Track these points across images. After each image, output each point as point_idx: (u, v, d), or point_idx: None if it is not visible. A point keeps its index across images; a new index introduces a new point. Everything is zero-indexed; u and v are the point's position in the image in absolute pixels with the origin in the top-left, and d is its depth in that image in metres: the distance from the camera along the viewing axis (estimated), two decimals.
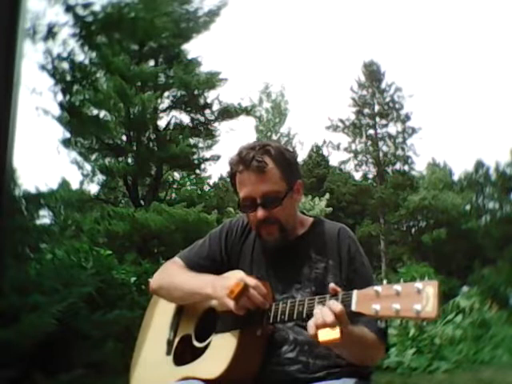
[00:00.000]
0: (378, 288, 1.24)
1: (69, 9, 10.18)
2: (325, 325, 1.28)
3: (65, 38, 12.08)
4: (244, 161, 1.57)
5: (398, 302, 1.18)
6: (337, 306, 1.30)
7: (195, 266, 1.71)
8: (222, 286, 1.51)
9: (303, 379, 1.52)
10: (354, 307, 1.27)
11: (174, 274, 1.71)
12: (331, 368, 1.53)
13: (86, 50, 13.28)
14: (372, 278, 1.60)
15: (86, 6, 10.72)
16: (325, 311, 1.30)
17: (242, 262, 1.70)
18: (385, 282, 1.26)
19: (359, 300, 1.27)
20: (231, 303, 1.46)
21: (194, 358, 1.57)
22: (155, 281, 1.77)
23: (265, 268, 1.66)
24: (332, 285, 1.38)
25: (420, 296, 1.15)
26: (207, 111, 17.19)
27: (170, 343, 1.67)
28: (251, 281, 1.48)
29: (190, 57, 16.62)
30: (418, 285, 1.17)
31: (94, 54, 14.18)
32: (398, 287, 1.20)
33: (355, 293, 1.29)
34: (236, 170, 1.60)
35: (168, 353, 1.66)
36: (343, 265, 1.59)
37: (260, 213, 1.57)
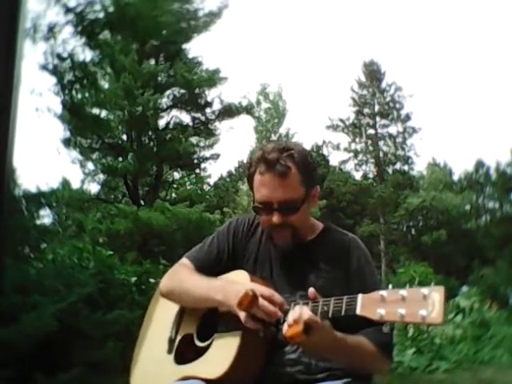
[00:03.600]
0: (384, 292, 1.24)
1: (69, 10, 10.20)
2: (291, 323, 1.32)
3: (65, 37, 12.09)
4: (267, 162, 1.52)
5: (404, 307, 1.18)
6: (301, 308, 1.34)
7: (205, 267, 1.68)
8: (232, 293, 1.48)
9: (304, 380, 1.52)
10: (358, 311, 1.27)
11: (184, 278, 1.67)
12: (333, 370, 1.53)
13: (88, 49, 13.28)
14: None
15: (87, 5, 10.74)
16: (291, 313, 1.35)
17: (245, 261, 1.69)
18: (390, 286, 1.26)
19: (364, 304, 1.27)
20: (242, 315, 1.44)
21: (195, 358, 1.56)
22: (165, 285, 1.73)
23: (269, 269, 1.65)
24: (311, 289, 1.38)
25: (426, 302, 1.16)
26: (208, 110, 17.19)
27: (171, 341, 1.66)
28: (264, 290, 1.45)
29: (190, 56, 16.65)
30: (424, 290, 1.17)
31: (95, 53, 14.18)
32: (403, 292, 1.20)
33: (360, 296, 1.29)
34: (257, 169, 1.56)
35: (169, 351, 1.65)
36: (352, 277, 1.56)
37: (276, 218, 1.55)
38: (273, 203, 1.54)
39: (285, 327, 1.35)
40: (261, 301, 1.42)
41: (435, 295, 1.15)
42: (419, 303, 1.16)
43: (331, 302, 1.34)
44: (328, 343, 1.37)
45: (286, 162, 1.52)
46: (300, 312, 1.33)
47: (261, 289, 1.45)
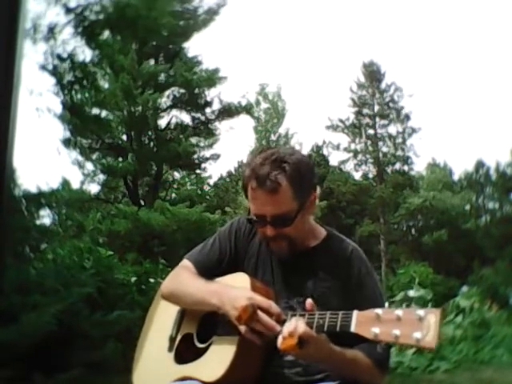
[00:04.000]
0: (380, 311, 1.23)
1: (69, 11, 10.20)
2: (286, 336, 1.32)
3: (65, 38, 12.10)
4: (257, 177, 1.50)
5: (398, 328, 1.17)
6: (297, 320, 1.34)
7: (206, 268, 1.68)
8: (228, 298, 1.49)
9: (302, 382, 1.53)
10: (353, 328, 1.26)
11: (183, 281, 1.67)
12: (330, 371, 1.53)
13: (88, 49, 13.29)
14: (381, 303, 1.56)
15: (87, 6, 10.74)
16: (287, 325, 1.35)
17: (246, 262, 1.68)
18: (387, 305, 1.26)
19: (359, 321, 1.26)
20: (241, 328, 1.45)
21: (194, 358, 1.57)
22: (166, 287, 1.74)
23: (270, 272, 1.64)
24: (309, 300, 1.38)
25: (421, 324, 1.15)
26: (207, 110, 17.19)
27: (172, 340, 1.67)
28: (262, 302, 1.45)
29: (189, 55, 16.66)
30: (420, 312, 1.16)
31: (95, 53, 14.19)
32: (399, 312, 1.19)
33: (355, 314, 1.28)
34: (249, 183, 1.54)
35: (170, 349, 1.66)
36: (351, 288, 1.55)
37: (269, 231, 1.55)
38: (266, 216, 1.54)
39: (279, 339, 1.34)
40: (259, 314, 1.41)
41: (431, 318, 1.14)
42: (414, 325, 1.15)
43: (327, 316, 1.33)
44: (322, 355, 1.38)
45: (276, 179, 1.49)
46: (295, 325, 1.32)
47: (259, 300, 1.45)
